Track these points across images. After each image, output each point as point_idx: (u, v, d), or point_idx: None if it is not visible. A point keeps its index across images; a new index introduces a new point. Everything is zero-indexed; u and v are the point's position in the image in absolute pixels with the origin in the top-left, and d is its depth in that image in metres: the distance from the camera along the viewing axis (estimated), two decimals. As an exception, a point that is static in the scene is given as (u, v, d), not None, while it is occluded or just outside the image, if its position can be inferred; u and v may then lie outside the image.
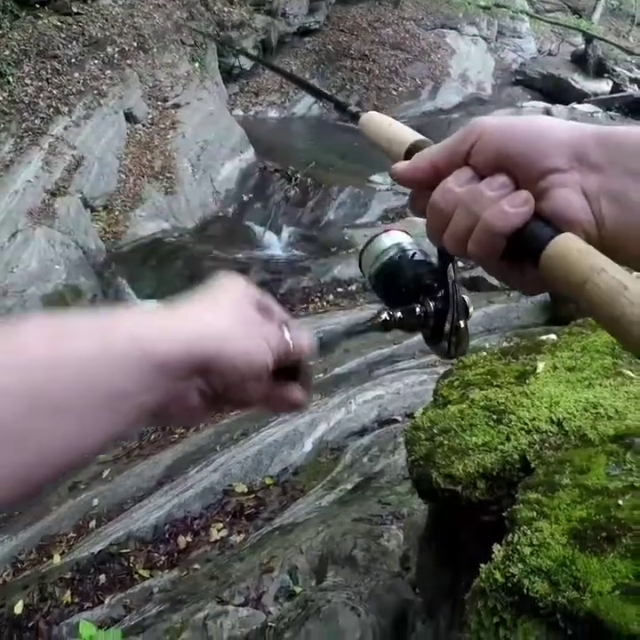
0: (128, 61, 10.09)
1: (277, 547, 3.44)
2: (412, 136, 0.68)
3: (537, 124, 0.58)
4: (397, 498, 3.38)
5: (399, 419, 4.31)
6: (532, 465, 1.50)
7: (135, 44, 10.35)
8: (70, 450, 0.51)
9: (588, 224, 0.55)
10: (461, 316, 0.74)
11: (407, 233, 0.79)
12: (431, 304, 0.73)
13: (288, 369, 0.66)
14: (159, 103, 10.19)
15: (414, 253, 0.75)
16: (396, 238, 0.77)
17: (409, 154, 0.65)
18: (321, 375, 5.21)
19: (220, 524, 4.14)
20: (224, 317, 0.61)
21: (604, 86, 16.53)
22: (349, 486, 3.79)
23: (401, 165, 0.64)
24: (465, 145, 0.58)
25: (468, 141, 0.58)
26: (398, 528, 3.24)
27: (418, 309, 0.73)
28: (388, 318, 0.74)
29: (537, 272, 0.55)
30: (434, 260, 0.74)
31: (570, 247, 0.54)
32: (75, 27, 9.97)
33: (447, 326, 0.74)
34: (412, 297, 0.74)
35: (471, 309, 0.76)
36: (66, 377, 0.50)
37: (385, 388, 4.67)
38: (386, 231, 0.79)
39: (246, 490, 4.28)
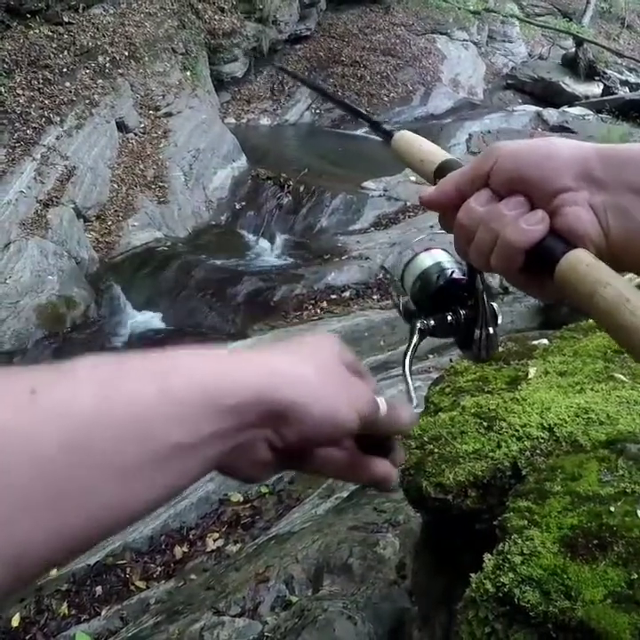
0: (119, 70, 10.09)
1: (273, 556, 3.43)
2: (440, 156, 0.73)
3: (546, 147, 0.63)
4: (393, 505, 3.37)
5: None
6: (523, 472, 1.49)
7: (126, 53, 10.35)
8: (112, 515, 0.44)
9: (596, 237, 0.60)
10: (490, 322, 0.79)
11: (446, 251, 0.83)
12: (462, 313, 0.77)
13: (376, 441, 0.61)
14: (151, 112, 10.19)
15: (453, 271, 0.79)
16: (436, 257, 0.82)
17: (438, 173, 0.71)
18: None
19: (216, 534, 4.13)
20: (306, 366, 0.54)
21: (595, 89, 16.57)
22: (345, 494, 3.78)
23: (428, 192, 0.68)
24: (484, 168, 0.63)
25: (487, 165, 0.63)
26: (394, 536, 3.23)
27: (450, 318, 0.78)
28: (422, 327, 0.79)
29: (553, 284, 0.60)
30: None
31: (580, 262, 0.59)
32: (66, 36, 9.97)
33: (477, 332, 0.79)
34: (445, 307, 0.78)
35: (500, 317, 0.80)
36: (112, 430, 0.43)
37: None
38: (427, 250, 0.84)
39: (242, 499, 4.27)
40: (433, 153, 0.75)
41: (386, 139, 0.83)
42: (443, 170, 0.70)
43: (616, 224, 0.60)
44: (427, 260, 0.82)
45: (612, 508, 1.39)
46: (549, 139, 0.65)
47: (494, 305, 0.80)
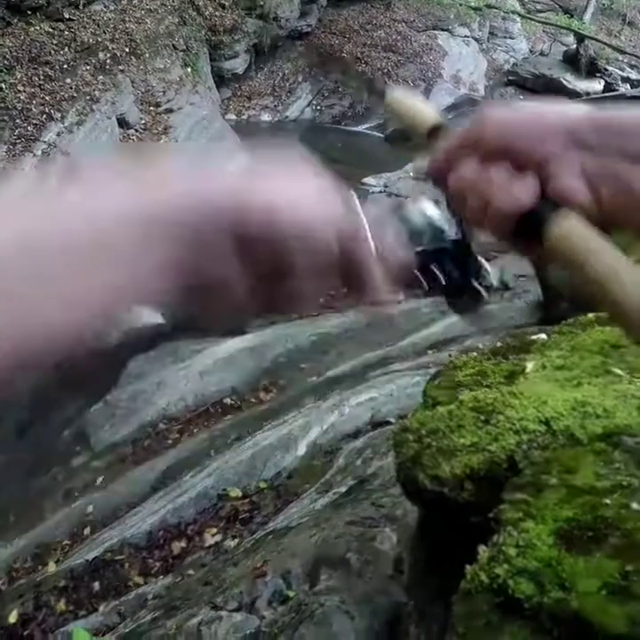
0: (120, 67, 10.09)
1: (271, 551, 3.43)
2: (432, 118, 0.72)
3: (535, 113, 0.63)
4: (391, 500, 3.37)
5: (392, 420, 4.30)
6: (520, 465, 1.49)
7: (127, 50, 10.34)
8: (99, 297, 0.49)
9: (587, 203, 0.60)
10: (480, 279, 0.79)
11: (436, 203, 0.82)
12: (451, 269, 0.78)
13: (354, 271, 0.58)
14: (151, 108, 10.19)
15: (442, 231, 0.79)
16: (426, 211, 0.82)
17: (430, 134, 0.71)
18: (314, 378, 5.21)
19: (215, 529, 4.13)
20: (278, 174, 0.54)
21: (597, 86, 16.57)
22: (343, 489, 3.78)
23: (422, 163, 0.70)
24: (473, 136, 0.63)
25: (475, 132, 0.63)
26: (391, 530, 3.23)
27: (439, 273, 0.78)
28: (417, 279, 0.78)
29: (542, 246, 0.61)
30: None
31: (571, 230, 0.59)
32: (67, 33, 9.97)
33: (469, 287, 0.77)
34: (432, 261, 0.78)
35: (490, 276, 0.81)
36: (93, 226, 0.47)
37: (378, 389, 4.66)
38: (415, 202, 0.83)
39: (240, 494, 4.27)
40: (425, 113, 0.74)
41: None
42: (434, 132, 0.71)
43: (608, 191, 0.60)
44: (416, 215, 0.82)
45: (608, 501, 1.39)
46: (540, 104, 0.65)
47: (486, 264, 0.80)
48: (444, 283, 0.76)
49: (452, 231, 0.77)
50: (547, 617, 1.21)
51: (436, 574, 2.04)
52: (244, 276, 0.52)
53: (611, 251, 0.57)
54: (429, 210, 0.78)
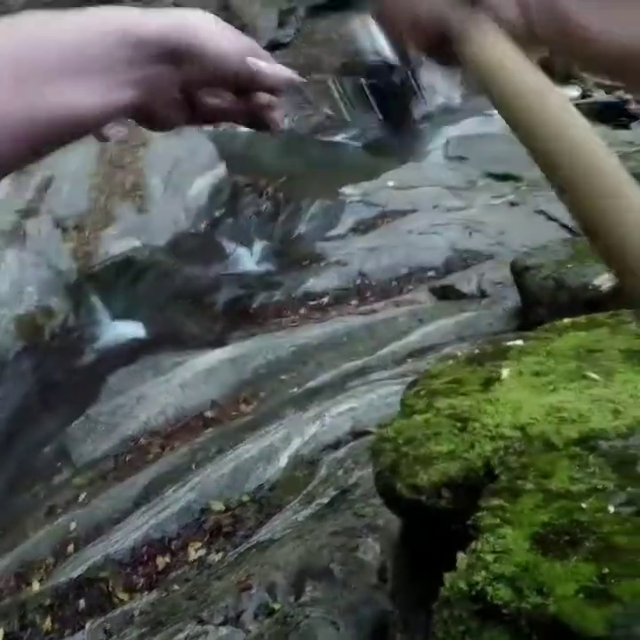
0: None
1: (255, 564, 3.43)
2: None
3: None
4: (373, 510, 3.37)
5: (373, 430, 4.31)
6: (496, 471, 1.51)
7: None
8: (60, 110, 0.55)
9: (515, 22, 0.62)
10: (408, 106, 0.80)
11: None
12: (396, 80, 0.79)
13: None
14: (129, 121, 10.18)
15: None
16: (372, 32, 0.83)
17: None
18: (295, 389, 5.21)
19: (198, 544, 4.11)
20: (205, 17, 0.65)
21: (573, 93, 16.69)
22: (325, 500, 3.78)
23: None
24: None
25: None
26: (374, 540, 3.24)
27: (382, 84, 0.79)
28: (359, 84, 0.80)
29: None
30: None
31: (488, 41, 0.60)
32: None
33: (396, 110, 0.80)
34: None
35: (423, 101, 0.82)
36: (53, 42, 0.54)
37: (358, 399, 4.67)
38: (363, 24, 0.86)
39: (223, 508, 4.26)
40: None
41: None
42: None
43: (541, 16, 0.61)
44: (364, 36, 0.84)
45: (584, 505, 1.41)
46: None
47: (420, 91, 0.82)
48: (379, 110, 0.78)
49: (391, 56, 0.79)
50: (525, 622, 1.22)
51: (419, 582, 2.05)
52: (179, 97, 0.64)
53: (520, 61, 0.57)
54: (375, 32, 0.80)
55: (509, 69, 0.57)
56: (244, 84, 0.67)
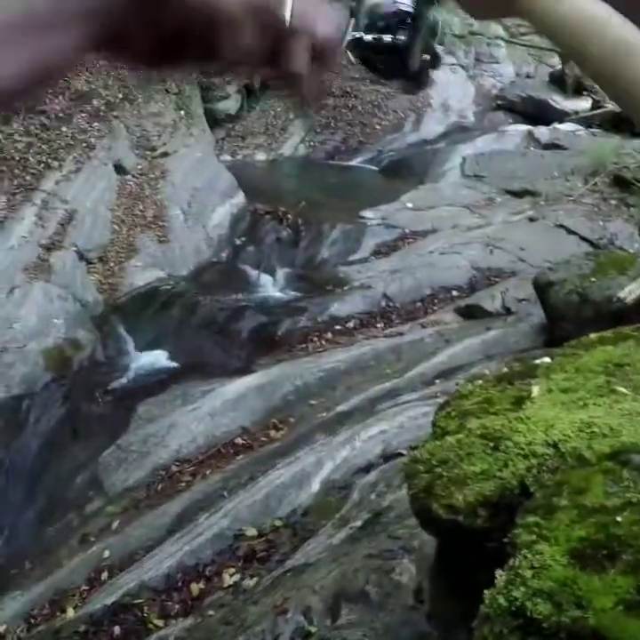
0: (114, 113, 10.21)
1: (290, 588, 3.44)
2: None
3: None
4: (407, 531, 3.38)
5: (404, 452, 4.31)
6: (531, 489, 1.53)
7: (120, 96, 10.47)
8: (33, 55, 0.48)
9: None
10: (426, 56, 0.80)
11: None
12: (401, 36, 0.80)
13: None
14: (147, 153, 10.30)
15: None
16: None
17: None
18: (324, 414, 5.22)
19: (233, 569, 4.12)
20: None
21: (584, 104, 16.67)
22: (359, 523, 3.79)
23: None
24: None
25: None
26: (410, 561, 3.24)
27: (389, 38, 0.80)
28: (354, 38, 0.80)
29: None
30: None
31: None
32: (61, 82, 10.10)
33: (411, 61, 0.81)
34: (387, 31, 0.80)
35: (441, 58, 0.81)
36: None
37: (388, 422, 4.68)
38: None
39: (257, 533, 4.27)
40: None
41: None
42: None
43: None
44: None
45: (619, 519, 1.43)
46: None
47: (439, 48, 0.81)
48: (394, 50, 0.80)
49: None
50: (565, 635, 1.24)
51: (457, 601, 2.06)
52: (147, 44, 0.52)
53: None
54: None
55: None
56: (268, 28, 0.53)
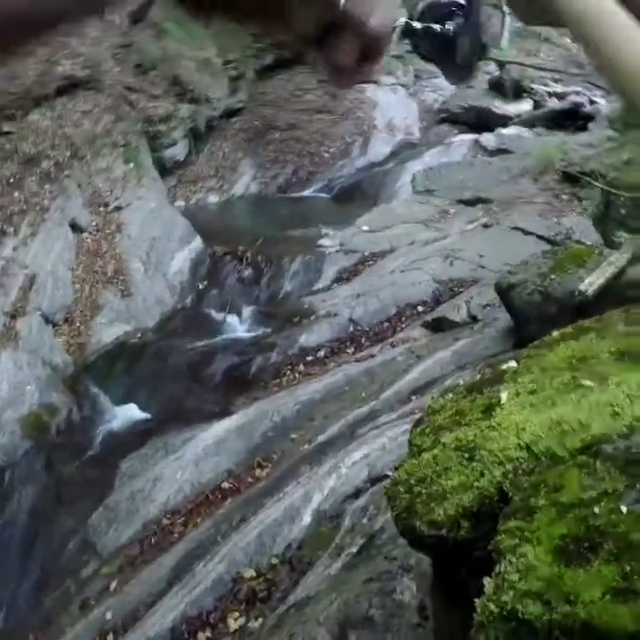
0: (65, 172, 10.21)
1: (296, 623, 3.43)
2: None
3: None
4: (403, 550, 3.39)
5: (390, 473, 4.33)
6: (509, 494, 1.55)
7: (69, 154, 10.48)
8: None
9: None
10: (475, 48, 0.80)
11: None
12: (451, 27, 0.78)
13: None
14: (101, 209, 10.30)
15: None
16: None
17: None
18: (306, 446, 5.22)
19: (236, 613, 4.10)
20: None
21: (526, 106, 16.95)
22: (354, 549, 3.79)
23: None
24: None
25: None
26: (409, 579, 3.25)
27: (438, 27, 0.79)
28: (406, 24, 0.78)
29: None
30: None
31: None
32: (8, 146, 10.09)
33: (459, 50, 0.80)
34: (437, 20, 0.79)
35: (489, 49, 0.81)
36: None
37: (370, 445, 4.70)
38: None
39: (255, 574, 4.26)
40: None
41: None
42: None
43: None
44: None
45: (597, 510, 1.46)
46: None
47: (485, 38, 0.81)
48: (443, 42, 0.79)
49: None
50: (559, 632, 1.26)
51: (457, 612, 2.08)
52: None
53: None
54: None
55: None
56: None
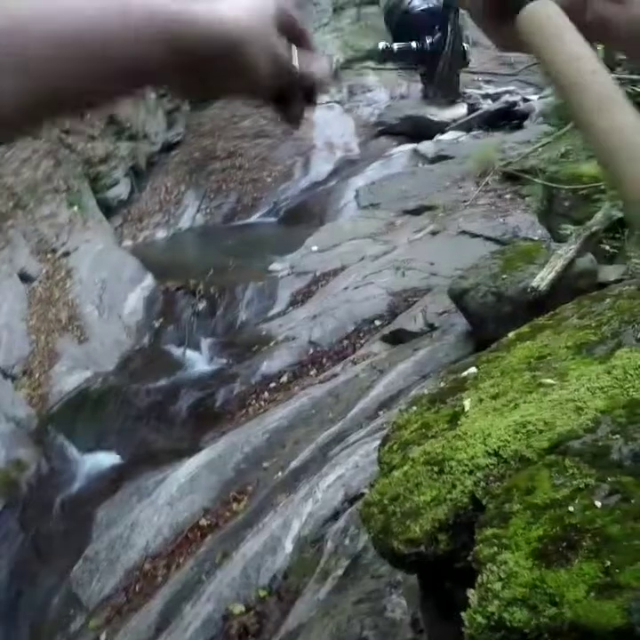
0: (8, 223, 10.11)
1: (289, 654, 3.40)
2: None
3: None
4: (388, 568, 3.37)
5: (366, 491, 4.33)
6: (483, 502, 1.56)
7: (11, 204, 10.38)
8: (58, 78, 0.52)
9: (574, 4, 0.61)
10: (457, 60, 0.80)
11: None
12: (427, 42, 0.78)
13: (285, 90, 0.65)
14: (49, 256, 10.20)
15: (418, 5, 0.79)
16: None
17: None
18: (279, 474, 5.20)
19: (230, 651, 4.06)
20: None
21: (461, 111, 17.17)
22: (340, 572, 3.77)
23: None
24: None
25: None
26: (398, 596, 3.24)
27: (414, 45, 0.79)
28: (384, 48, 0.80)
29: (515, 31, 0.61)
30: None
31: (544, 13, 0.59)
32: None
33: (440, 65, 0.80)
34: (414, 37, 0.79)
35: (469, 58, 0.80)
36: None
37: (343, 466, 4.69)
38: None
39: (244, 608, 4.21)
40: None
41: None
42: None
43: (603, 11, 0.62)
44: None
45: (571, 508, 1.47)
46: None
47: (466, 45, 0.81)
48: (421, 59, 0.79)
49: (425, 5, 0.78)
50: (548, 635, 1.27)
51: (449, 626, 2.08)
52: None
53: (576, 36, 0.57)
54: None
55: (562, 37, 0.57)
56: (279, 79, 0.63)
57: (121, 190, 13.42)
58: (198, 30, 0.55)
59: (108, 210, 12.88)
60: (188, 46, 0.55)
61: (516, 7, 0.60)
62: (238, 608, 4.22)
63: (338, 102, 18.12)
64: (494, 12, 0.64)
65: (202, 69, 0.57)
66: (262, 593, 4.24)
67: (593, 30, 0.61)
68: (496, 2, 0.63)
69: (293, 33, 0.64)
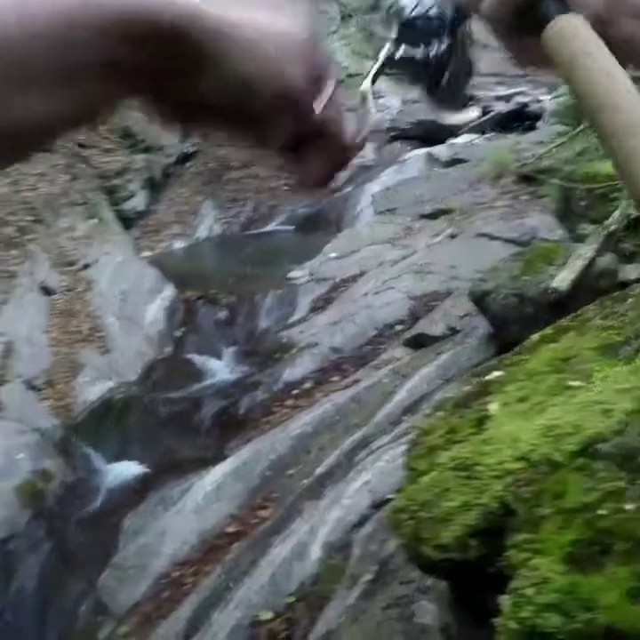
0: (28, 237, 10.20)
1: (319, 661, 3.40)
2: None
3: None
4: (417, 573, 3.36)
5: (393, 496, 4.31)
6: (513, 507, 1.56)
7: (30, 219, 10.47)
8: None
9: (601, 11, 0.58)
10: (463, 73, 0.76)
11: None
12: (433, 51, 0.74)
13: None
14: (69, 268, 10.27)
15: (429, 7, 0.76)
16: None
17: None
18: (305, 481, 5.20)
19: (259, 659, 4.06)
20: None
21: (473, 114, 17.10)
22: (369, 577, 3.77)
23: None
24: None
25: None
26: (429, 601, 3.23)
27: (419, 54, 0.74)
28: (386, 56, 0.74)
29: (538, 46, 0.58)
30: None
31: (570, 27, 0.56)
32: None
33: (446, 75, 0.76)
34: (418, 46, 0.74)
35: (474, 68, 0.77)
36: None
37: (369, 471, 4.68)
38: None
39: (272, 615, 4.21)
40: None
41: None
42: None
43: (626, 27, 0.59)
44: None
45: (602, 511, 1.47)
46: None
47: (472, 59, 0.77)
48: (426, 68, 0.75)
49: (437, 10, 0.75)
50: (583, 640, 1.26)
51: (482, 631, 2.07)
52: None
53: (605, 53, 0.54)
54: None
55: (589, 53, 0.54)
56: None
57: (138, 202, 13.49)
58: (153, 10, 0.42)
59: (126, 222, 12.96)
60: (140, 31, 0.42)
61: (543, 20, 0.57)
62: (267, 615, 4.23)
63: (351, 110, 18.15)
64: (518, 24, 0.60)
65: (167, 69, 0.45)
66: (291, 599, 4.24)
67: (619, 49, 0.57)
68: (520, 13, 0.59)
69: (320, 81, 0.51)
